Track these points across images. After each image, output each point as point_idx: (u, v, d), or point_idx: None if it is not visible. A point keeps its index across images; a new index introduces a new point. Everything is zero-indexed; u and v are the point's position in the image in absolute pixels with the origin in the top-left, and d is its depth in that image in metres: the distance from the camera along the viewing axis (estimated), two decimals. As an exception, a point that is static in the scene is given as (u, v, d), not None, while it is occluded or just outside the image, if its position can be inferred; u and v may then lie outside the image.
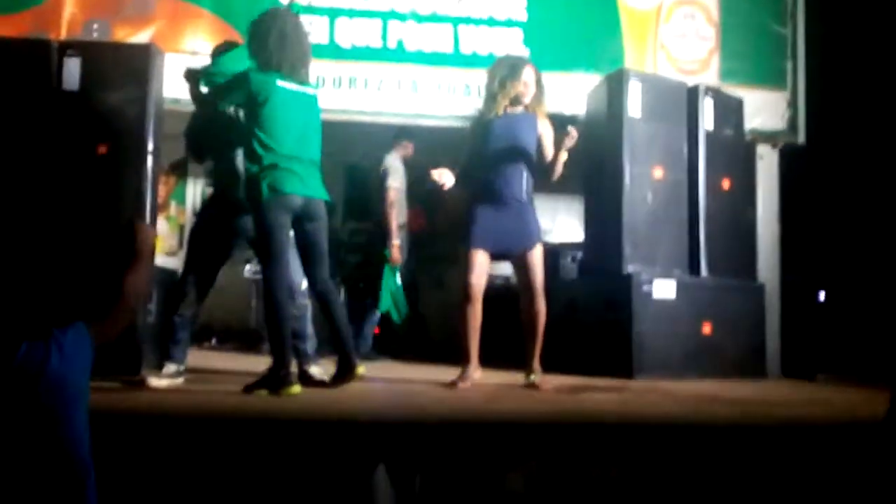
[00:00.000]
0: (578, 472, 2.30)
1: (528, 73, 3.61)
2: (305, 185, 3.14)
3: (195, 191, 6.64)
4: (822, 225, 5.54)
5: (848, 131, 5.57)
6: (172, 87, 4.52)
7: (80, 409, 1.67)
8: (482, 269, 3.53)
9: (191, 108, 4.70)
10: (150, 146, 3.94)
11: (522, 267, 3.56)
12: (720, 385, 3.83)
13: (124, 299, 1.69)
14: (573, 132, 3.46)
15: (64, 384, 1.60)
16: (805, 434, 2.49)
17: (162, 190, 6.27)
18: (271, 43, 3.15)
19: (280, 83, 3.14)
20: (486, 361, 3.65)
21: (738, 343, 4.31)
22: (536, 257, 3.55)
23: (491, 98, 3.61)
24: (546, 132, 3.64)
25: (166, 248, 6.40)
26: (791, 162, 5.15)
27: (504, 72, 3.61)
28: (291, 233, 3.23)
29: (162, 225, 6.36)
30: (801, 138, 5.10)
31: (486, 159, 3.55)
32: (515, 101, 3.60)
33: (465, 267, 3.53)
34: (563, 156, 3.54)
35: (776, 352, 4.80)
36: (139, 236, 1.77)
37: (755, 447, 2.38)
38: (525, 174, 3.57)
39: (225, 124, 3.41)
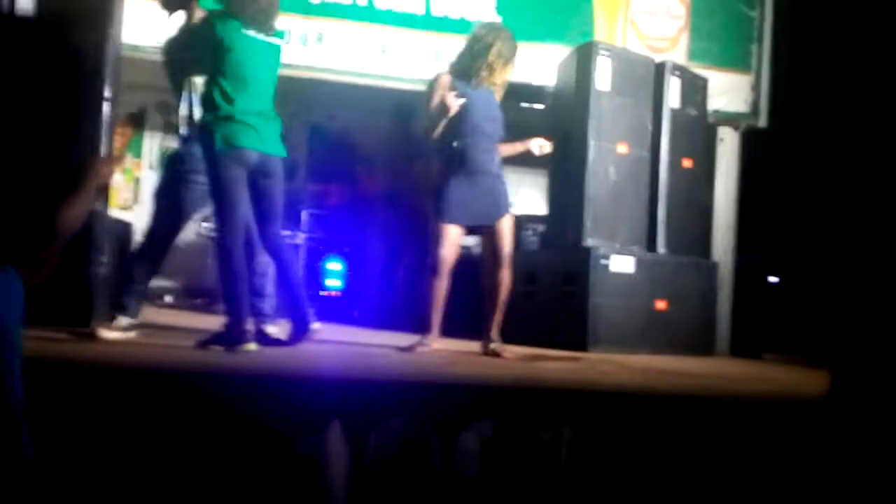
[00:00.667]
0: (531, 435, 2.33)
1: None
2: (262, 140, 3.05)
3: (152, 144, 6.47)
4: (778, 209, 5.67)
5: (810, 117, 5.67)
6: (132, 33, 4.40)
7: (14, 355, 1.61)
8: (454, 243, 3.51)
9: (150, 53, 4.61)
10: (107, 93, 3.81)
11: (491, 237, 3.56)
12: (671, 360, 3.92)
13: (56, 238, 1.63)
14: (546, 148, 3.74)
15: None
16: (746, 408, 2.57)
17: (118, 141, 6.10)
18: None
19: (245, 31, 3.04)
20: (444, 331, 3.64)
21: (691, 320, 4.40)
22: (506, 227, 3.57)
23: (486, 69, 3.53)
24: None
25: (121, 202, 6.24)
26: (752, 145, 5.23)
27: (509, 53, 3.57)
28: None
29: (117, 177, 6.19)
30: (763, 122, 5.18)
31: (465, 128, 3.50)
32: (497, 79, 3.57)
33: (435, 240, 3.50)
34: (517, 151, 3.72)
35: (726, 330, 4.92)
36: (91, 167, 1.70)
37: (698, 418, 2.44)
38: (495, 147, 3.59)
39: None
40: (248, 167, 3.04)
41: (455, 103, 3.41)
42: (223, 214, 3.06)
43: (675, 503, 2.34)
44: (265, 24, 3.09)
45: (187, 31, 3.31)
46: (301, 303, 3.24)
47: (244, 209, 3.11)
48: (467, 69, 3.57)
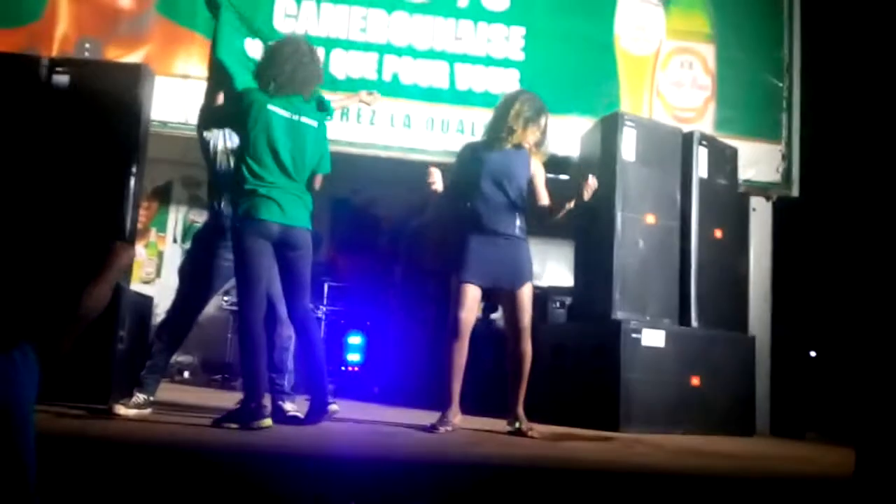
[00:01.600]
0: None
1: (545, 121, 3.56)
2: (285, 212, 3.04)
3: (177, 218, 6.52)
4: (814, 280, 5.49)
5: (842, 186, 5.55)
6: (160, 110, 4.47)
7: (29, 434, 1.56)
8: (473, 303, 3.37)
9: (176, 129, 4.68)
10: (134, 168, 3.84)
11: (511, 305, 3.43)
12: (707, 440, 3.71)
13: (77, 319, 1.59)
14: (593, 182, 3.39)
15: (9, 411, 1.51)
16: (787, 489, 2.37)
17: (143, 215, 6.16)
18: (272, 64, 3.08)
19: (272, 108, 3.06)
20: (470, 408, 3.51)
21: (727, 396, 4.19)
22: (526, 296, 3.42)
23: (506, 131, 3.48)
24: (538, 173, 3.57)
25: (143, 276, 6.25)
26: (785, 215, 5.11)
27: (529, 113, 3.52)
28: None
29: (140, 251, 6.22)
30: (796, 191, 5.08)
31: (477, 189, 3.43)
32: (520, 141, 3.53)
33: (454, 300, 3.36)
34: (572, 204, 3.45)
35: (765, 407, 4.68)
36: (113, 252, 1.68)
37: (735, 501, 2.25)
38: (517, 210, 3.46)
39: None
40: (270, 239, 3.03)
41: (438, 185, 3.35)
42: (244, 286, 3.04)
43: None
44: (294, 102, 3.10)
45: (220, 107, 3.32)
46: (322, 382, 3.14)
47: (266, 282, 3.07)
48: (492, 137, 3.54)
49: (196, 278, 3.36)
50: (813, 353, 4.94)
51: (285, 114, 3.07)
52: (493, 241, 3.38)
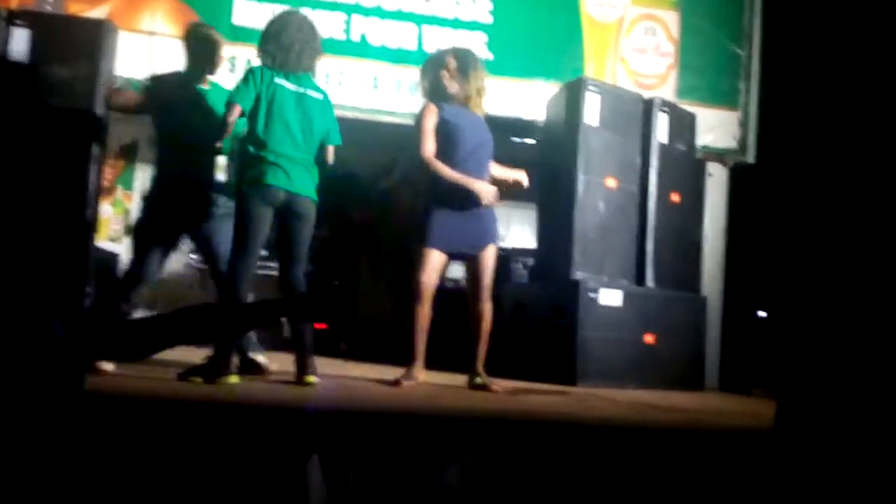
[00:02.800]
0: (514, 469, 2.30)
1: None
2: (291, 181, 3.14)
3: (144, 176, 6.47)
4: (766, 244, 5.69)
5: (798, 153, 5.72)
6: (126, 67, 4.44)
7: None
8: (436, 268, 3.47)
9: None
10: (96, 123, 3.82)
11: (474, 267, 3.54)
12: (659, 394, 3.89)
13: None
14: (524, 181, 3.68)
15: None
16: (731, 441, 2.54)
17: (109, 173, 6.12)
18: (278, 42, 3.18)
19: (279, 81, 3.16)
20: (431, 364, 3.62)
21: (679, 354, 4.39)
22: (489, 257, 3.54)
23: (474, 95, 3.55)
24: None
25: (110, 233, 6.23)
26: (740, 180, 5.27)
27: (480, 83, 3.58)
28: None
29: (107, 209, 6.20)
30: (751, 158, 5.24)
31: (457, 156, 3.47)
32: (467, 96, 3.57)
33: (418, 265, 3.46)
34: (509, 176, 3.67)
35: (715, 365, 4.90)
36: None
37: (685, 451, 2.41)
38: (484, 176, 3.54)
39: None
40: (274, 205, 3.13)
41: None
42: (241, 247, 3.13)
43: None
44: (300, 77, 3.22)
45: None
46: (306, 349, 3.23)
47: (260, 246, 3.17)
48: (444, 94, 3.55)
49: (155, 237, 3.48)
50: (762, 314, 5.16)
51: (292, 87, 3.19)
52: (462, 209, 3.47)
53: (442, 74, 3.54)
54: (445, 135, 3.49)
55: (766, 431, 2.05)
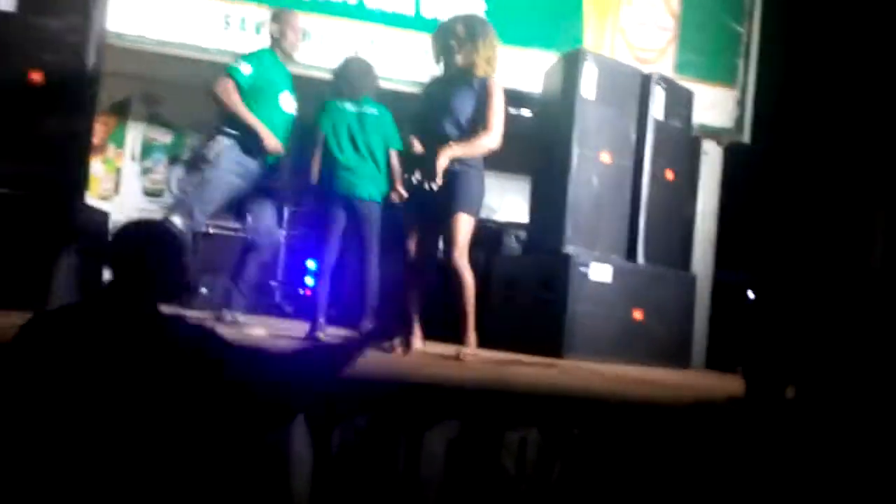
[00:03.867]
0: (497, 436, 2.32)
1: (483, 42, 3.51)
2: (355, 186, 3.77)
3: (135, 134, 6.41)
4: (758, 224, 5.70)
5: (794, 135, 5.72)
6: (118, 21, 4.37)
7: None
8: (415, 239, 3.55)
9: (135, 42, 4.58)
10: (87, 78, 3.77)
11: (444, 237, 3.49)
12: (644, 370, 3.92)
13: None
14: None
15: None
16: (714, 416, 2.56)
17: (101, 130, 6.05)
18: (348, 83, 3.88)
19: (340, 104, 3.82)
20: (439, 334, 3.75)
21: (667, 331, 4.40)
22: (454, 223, 3.39)
23: (447, 59, 3.52)
24: (489, 99, 3.43)
25: (101, 192, 6.18)
26: (735, 159, 5.26)
27: (477, 30, 3.51)
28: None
29: (98, 167, 6.14)
30: (747, 138, 5.21)
31: (419, 128, 3.54)
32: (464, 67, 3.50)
33: (405, 235, 3.56)
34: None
35: (702, 343, 4.93)
36: None
37: (666, 425, 2.44)
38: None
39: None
40: (342, 208, 3.78)
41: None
42: (323, 243, 3.87)
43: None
44: (355, 99, 3.84)
45: None
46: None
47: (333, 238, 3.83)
48: (452, 63, 3.51)
49: None
50: (751, 295, 5.19)
51: (354, 109, 3.83)
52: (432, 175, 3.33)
53: (451, 44, 3.48)
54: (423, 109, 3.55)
55: (737, 402, 2.07)
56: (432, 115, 3.49)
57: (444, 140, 3.38)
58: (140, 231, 1.92)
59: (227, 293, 3.92)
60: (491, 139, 3.41)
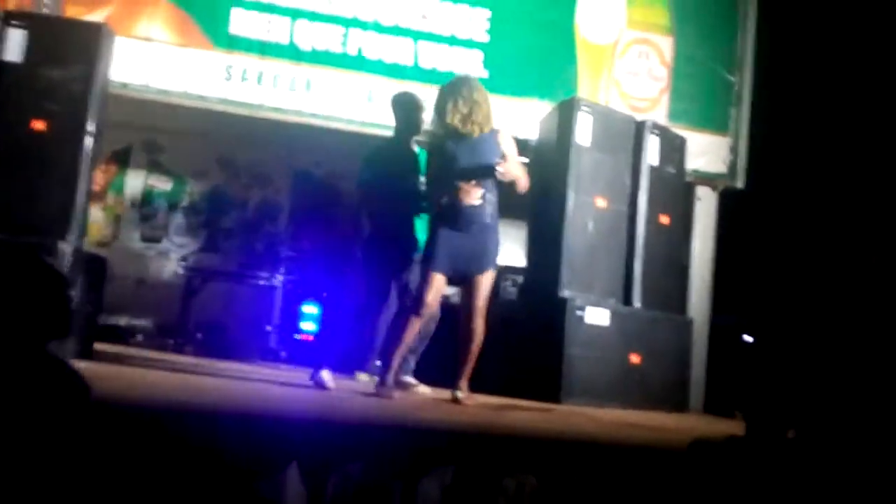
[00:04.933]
0: (493, 482, 2.29)
1: (479, 98, 3.61)
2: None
3: (135, 183, 6.48)
4: (754, 268, 5.73)
5: (787, 180, 5.80)
6: (121, 72, 4.46)
7: None
8: (439, 289, 3.57)
9: (138, 91, 4.67)
10: (91, 127, 3.84)
11: (471, 287, 3.58)
12: (642, 414, 3.90)
13: None
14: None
15: None
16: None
17: (101, 178, 6.12)
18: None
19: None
20: (427, 377, 3.72)
21: (664, 375, 4.39)
22: (486, 280, 3.58)
23: (457, 120, 3.57)
24: (506, 149, 3.62)
25: (99, 238, 6.21)
26: (729, 205, 5.31)
27: (464, 93, 3.59)
28: None
29: (97, 213, 6.19)
30: (741, 183, 5.28)
31: (451, 184, 3.53)
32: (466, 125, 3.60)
33: (423, 284, 3.54)
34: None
35: (700, 387, 4.90)
36: None
37: (663, 470, 2.42)
38: (487, 199, 3.54)
39: None
40: None
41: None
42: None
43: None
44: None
45: None
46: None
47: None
48: (448, 126, 3.60)
49: None
50: (748, 339, 5.18)
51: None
52: (465, 232, 3.50)
53: (458, 102, 3.58)
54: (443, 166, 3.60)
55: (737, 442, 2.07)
56: (459, 174, 3.54)
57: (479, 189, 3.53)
58: (7, 260, 1.68)
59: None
60: (525, 179, 3.64)
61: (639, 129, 4.65)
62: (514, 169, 3.58)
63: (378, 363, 3.80)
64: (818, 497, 1.81)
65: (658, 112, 5.21)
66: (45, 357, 1.63)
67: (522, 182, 3.62)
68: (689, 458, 2.15)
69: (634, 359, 4.25)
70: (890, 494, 1.80)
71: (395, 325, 3.61)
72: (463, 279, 3.61)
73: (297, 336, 5.41)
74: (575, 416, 3.46)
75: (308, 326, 5.44)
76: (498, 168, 3.48)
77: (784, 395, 1.89)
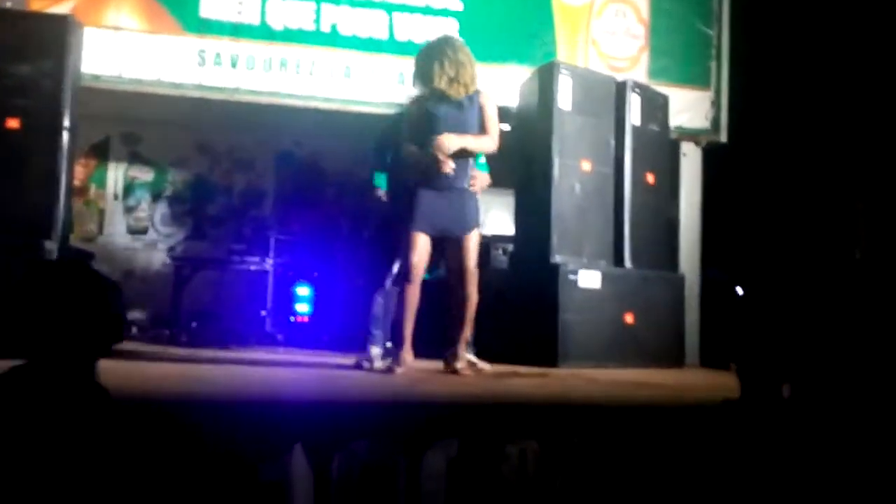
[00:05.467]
0: (497, 450, 2.32)
1: (469, 62, 3.59)
2: None
3: (117, 175, 6.40)
4: (741, 222, 5.75)
5: (769, 132, 5.79)
6: (92, 63, 4.38)
7: None
8: (424, 250, 3.54)
9: (111, 83, 4.59)
10: (66, 122, 3.78)
11: (457, 251, 3.57)
12: (640, 372, 3.94)
13: None
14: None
15: None
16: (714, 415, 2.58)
17: (81, 172, 6.04)
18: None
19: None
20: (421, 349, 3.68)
21: (659, 332, 4.43)
22: (471, 242, 3.58)
23: (444, 86, 3.55)
24: (486, 112, 3.63)
25: (84, 233, 6.15)
26: (713, 159, 5.31)
27: (452, 72, 3.56)
28: None
29: (80, 208, 6.12)
30: (724, 137, 5.27)
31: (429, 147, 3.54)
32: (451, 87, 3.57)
33: (406, 248, 3.53)
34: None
35: (695, 342, 4.95)
36: None
37: (665, 427, 2.45)
38: (468, 164, 3.57)
39: None
40: None
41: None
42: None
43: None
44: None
45: None
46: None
47: None
48: (431, 87, 3.57)
49: None
50: (739, 291, 5.22)
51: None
52: (442, 195, 3.53)
53: (443, 64, 3.55)
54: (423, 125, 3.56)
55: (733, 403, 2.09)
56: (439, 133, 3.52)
57: (461, 164, 3.53)
58: (61, 274, 1.58)
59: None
60: (493, 141, 3.62)
61: (620, 89, 4.63)
62: (483, 181, 3.68)
63: (388, 344, 3.83)
64: (815, 457, 1.83)
65: (638, 71, 5.18)
66: (93, 385, 1.58)
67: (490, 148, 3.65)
68: (688, 422, 2.16)
69: (629, 318, 4.28)
70: (884, 450, 1.82)
71: (399, 300, 3.61)
72: (446, 240, 3.60)
73: (293, 318, 5.41)
74: (573, 378, 3.49)
75: (302, 308, 5.43)
76: (471, 188, 3.56)
77: (776, 350, 1.90)
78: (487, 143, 3.61)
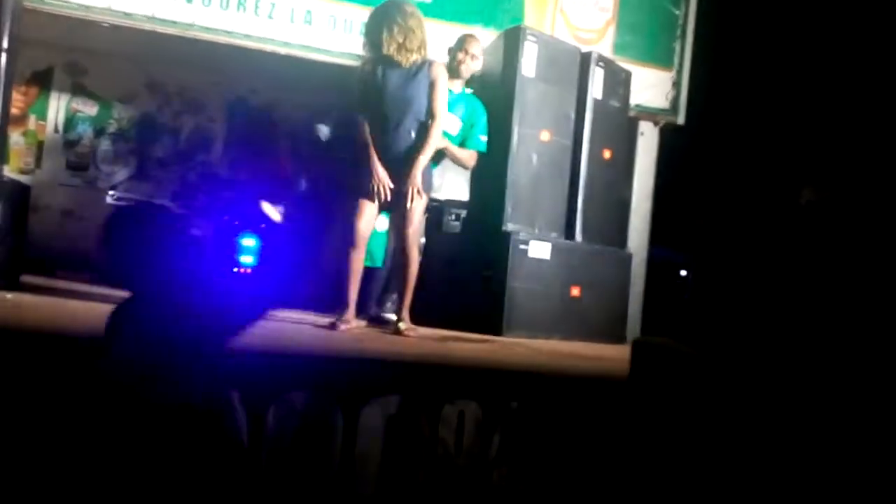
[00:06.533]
0: (435, 410, 2.31)
1: (421, 31, 3.56)
2: None
3: (59, 106, 6.11)
4: (691, 204, 5.85)
5: (727, 117, 5.87)
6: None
7: None
8: (370, 216, 3.56)
9: (56, 6, 4.35)
10: (4, 43, 3.57)
11: (399, 215, 3.56)
12: (581, 345, 3.99)
13: None
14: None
15: None
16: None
17: (20, 100, 5.74)
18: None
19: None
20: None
21: (603, 308, 4.47)
22: (414, 208, 3.56)
23: (393, 52, 3.51)
24: (434, 88, 3.59)
25: (22, 165, 5.88)
26: (670, 140, 5.36)
27: (401, 38, 3.51)
28: None
29: (18, 139, 5.84)
30: (682, 119, 5.31)
31: (377, 113, 3.53)
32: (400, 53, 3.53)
33: (352, 213, 3.53)
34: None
35: (637, 319, 5.03)
36: None
37: (599, 397, 2.48)
38: (414, 132, 3.56)
39: None
40: None
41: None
42: None
43: (574, 478, 2.37)
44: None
45: None
46: None
47: None
48: (379, 51, 3.52)
49: None
50: (684, 273, 5.33)
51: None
52: (388, 162, 3.52)
53: (392, 29, 3.51)
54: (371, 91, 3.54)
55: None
56: (388, 104, 3.52)
57: (405, 134, 3.53)
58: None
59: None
60: (440, 128, 3.66)
61: (584, 60, 4.59)
62: (416, 197, 3.59)
63: (390, 303, 3.92)
64: (753, 429, 1.87)
65: (604, 44, 5.15)
66: None
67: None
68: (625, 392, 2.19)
69: (575, 291, 4.31)
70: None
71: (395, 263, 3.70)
72: (392, 206, 3.59)
73: (235, 269, 5.28)
74: (517, 346, 3.51)
75: (246, 259, 5.31)
76: (407, 205, 3.53)
77: (718, 327, 1.93)
78: (437, 135, 3.66)
